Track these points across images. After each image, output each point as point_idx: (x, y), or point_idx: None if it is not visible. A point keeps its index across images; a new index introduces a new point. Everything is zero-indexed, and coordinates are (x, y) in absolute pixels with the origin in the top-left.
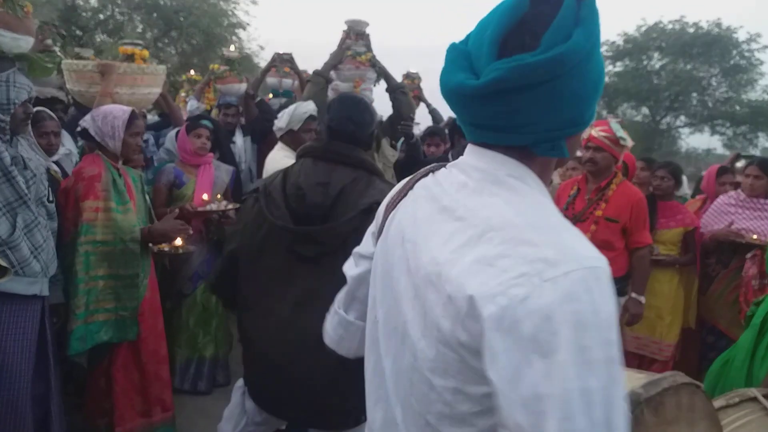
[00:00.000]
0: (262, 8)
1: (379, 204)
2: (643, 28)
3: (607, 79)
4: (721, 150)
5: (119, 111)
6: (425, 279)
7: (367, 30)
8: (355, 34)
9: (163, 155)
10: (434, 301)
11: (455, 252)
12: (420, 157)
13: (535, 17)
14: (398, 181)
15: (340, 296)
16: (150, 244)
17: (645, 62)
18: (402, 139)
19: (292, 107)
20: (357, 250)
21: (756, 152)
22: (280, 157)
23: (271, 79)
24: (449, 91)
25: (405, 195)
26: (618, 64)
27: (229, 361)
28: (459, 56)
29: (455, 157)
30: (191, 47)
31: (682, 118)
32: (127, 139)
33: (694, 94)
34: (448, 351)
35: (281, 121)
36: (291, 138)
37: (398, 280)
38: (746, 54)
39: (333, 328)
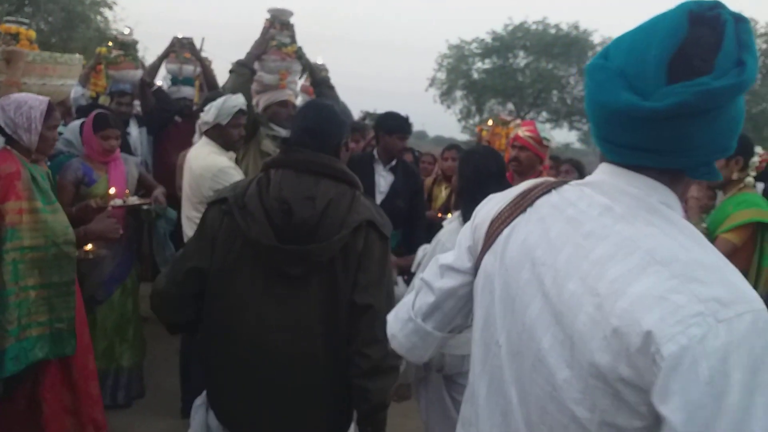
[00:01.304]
0: None
1: (369, 222)
2: (510, 28)
3: (476, 75)
4: (577, 145)
5: (35, 101)
6: (572, 307)
7: (292, 20)
8: (280, 24)
9: (62, 147)
10: (587, 332)
11: (617, 283)
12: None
13: (697, 41)
14: None
15: (418, 304)
16: None
17: (511, 60)
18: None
19: (220, 100)
20: (446, 261)
21: None
22: (206, 153)
23: (170, 66)
24: (613, 111)
25: (522, 211)
26: (486, 61)
27: (142, 371)
28: (613, 76)
29: (381, 155)
30: (50, 26)
31: (544, 113)
32: (45, 133)
33: (555, 92)
34: (601, 384)
35: (208, 115)
36: (218, 133)
37: (527, 305)
38: None
39: (406, 335)
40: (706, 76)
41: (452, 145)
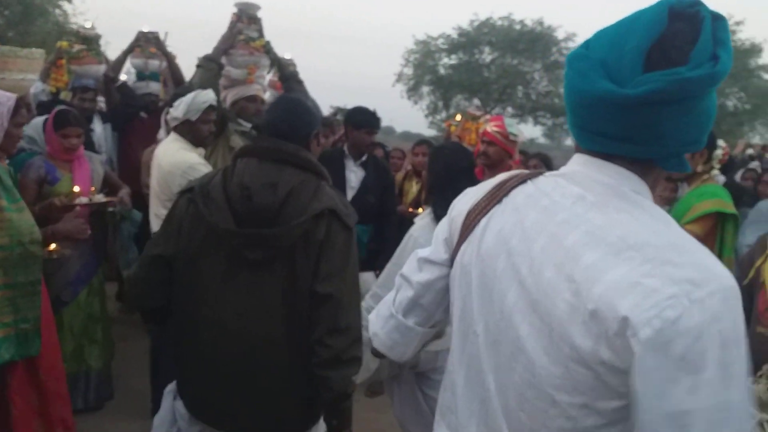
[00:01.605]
0: None
1: (331, 210)
2: (476, 23)
3: (442, 71)
4: (542, 140)
5: (3, 97)
6: (550, 294)
7: (259, 14)
8: (247, 18)
9: (24, 144)
10: (566, 318)
11: (591, 269)
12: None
13: (675, 34)
14: None
15: (398, 300)
16: None
17: (477, 56)
18: None
19: (190, 96)
20: (423, 255)
21: (569, 141)
22: (175, 149)
23: (135, 61)
24: (591, 98)
25: (498, 201)
26: (453, 56)
27: (111, 372)
28: (593, 65)
29: (351, 150)
30: (5, 19)
31: (509, 109)
32: (11, 130)
33: (520, 87)
34: (581, 368)
35: (177, 111)
36: (187, 129)
37: (504, 294)
38: (564, 51)
39: (387, 332)
40: (681, 67)
41: (422, 141)
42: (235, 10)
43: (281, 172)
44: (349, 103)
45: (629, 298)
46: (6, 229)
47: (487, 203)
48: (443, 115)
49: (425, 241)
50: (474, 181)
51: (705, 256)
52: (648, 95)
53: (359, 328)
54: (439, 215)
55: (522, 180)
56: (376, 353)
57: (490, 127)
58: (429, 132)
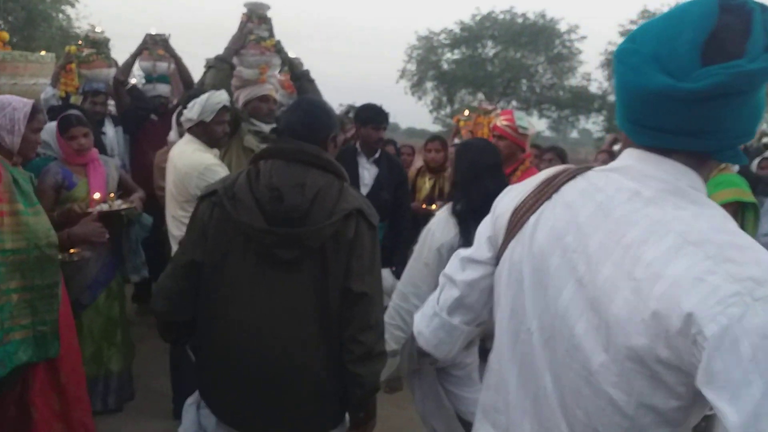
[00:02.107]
0: None
1: (359, 210)
2: (478, 17)
3: (446, 66)
4: (547, 132)
5: (19, 102)
6: (608, 292)
7: (269, 13)
8: (257, 18)
9: (38, 148)
10: (625, 316)
11: (653, 266)
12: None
13: (727, 27)
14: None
15: (442, 299)
16: None
17: (480, 50)
18: None
19: (204, 97)
20: (467, 254)
21: (575, 133)
22: (191, 151)
23: (143, 63)
24: (648, 93)
25: (547, 198)
26: (456, 51)
27: (132, 374)
28: (646, 59)
29: (363, 147)
30: (9, 25)
31: (514, 102)
32: (28, 135)
33: (524, 81)
34: (638, 366)
35: (192, 112)
36: (202, 130)
37: (560, 291)
38: (567, 44)
39: (432, 331)
40: (740, 59)
41: (435, 137)
42: (244, 10)
43: (307, 174)
44: (359, 101)
45: (693, 295)
46: (23, 232)
47: (536, 200)
48: (448, 110)
49: (441, 235)
50: (500, 179)
51: (765, 254)
52: (711, 88)
53: (383, 323)
54: (456, 211)
55: (572, 175)
56: (421, 352)
57: (500, 122)
58: (434, 128)
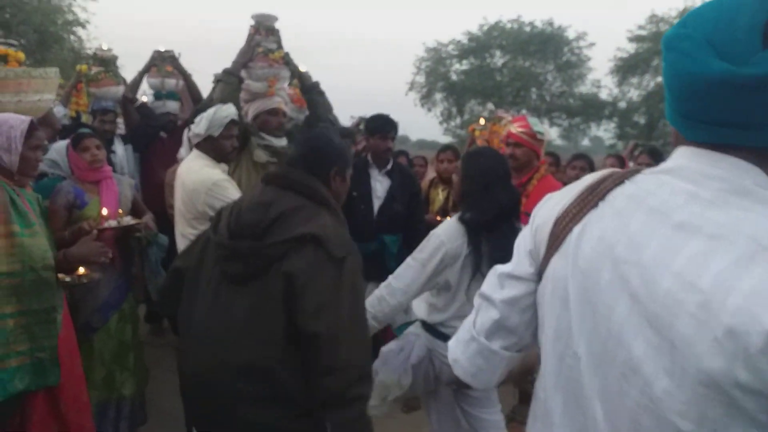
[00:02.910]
0: (103, 4)
1: (315, 237)
2: (485, 27)
3: (455, 77)
4: (559, 141)
5: (16, 120)
6: (670, 307)
7: (277, 25)
8: (265, 30)
9: (46, 168)
10: (692, 334)
11: (723, 276)
12: None
13: None
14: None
15: (479, 321)
16: None
17: (488, 60)
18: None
19: (211, 111)
20: (505, 270)
21: (586, 141)
22: (199, 167)
23: (152, 80)
24: (705, 81)
25: (593, 206)
26: (464, 62)
27: (145, 397)
28: (700, 44)
29: (374, 158)
30: (21, 47)
31: (524, 111)
32: (26, 153)
33: (534, 89)
34: (711, 392)
35: (199, 127)
36: (210, 145)
37: (612, 308)
38: (576, 51)
39: (469, 358)
40: None
41: (447, 147)
42: (252, 22)
43: (280, 196)
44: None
45: None
46: (17, 254)
47: (580, 208)
48: (458, 121)
49: (447, 240)
50: (510, 189)
51: None
52: None
53: (363, 365)
54: (466, 220)
55: (619, 180)
56: (459, 382)
57: (515, 128)
58: (444, 139)
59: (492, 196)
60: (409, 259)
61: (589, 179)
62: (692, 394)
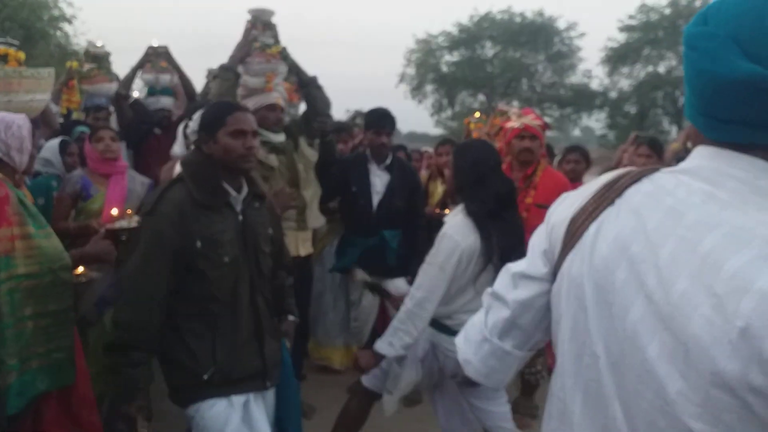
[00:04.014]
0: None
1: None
2: (476, 18)
3: (445, 68)
4: (549, 132)
5: (21, 119)
6: (684, 309)
7: (273, 19)
8: (261, 25)
9: (39, 166)
10: (706, 337)
11: (737, 278)
12: (335, 156)
13: None
14: (321, 182)
15: (491, 322)
16: None
17: (479, 51)
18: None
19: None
20: (518, 269)
21: (577, 131)
22: None
23: (146, 76)
24: (730, 82)
25: (609, 203)
26: (455, 53)
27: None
28: (725, 44)
29: (372, 154)
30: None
31: (515, 102)
32: (33, 151)
33: (525, 80)
34: (726, 396)
35: (195, 124)
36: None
37: (627, 309)
38: (566, 41)
39: (482, 359)
40: None
41: (446, 140)
42: (248, 17)
43: None
44: (362, 108)
45: None
46: (35, 256)
47: (596, 207)
48: (448, 113)
49: (461, 239)
50: (503, 178)
51: None
52: None
53: (136, 322)
54: (471, 211)
55: (636, 178)
56: (470, 381)
57: (530, 121)
58: (435, 131)
59: (487, 186)
60: (424, 265)
61: (607, 176)
62: (706, 396)
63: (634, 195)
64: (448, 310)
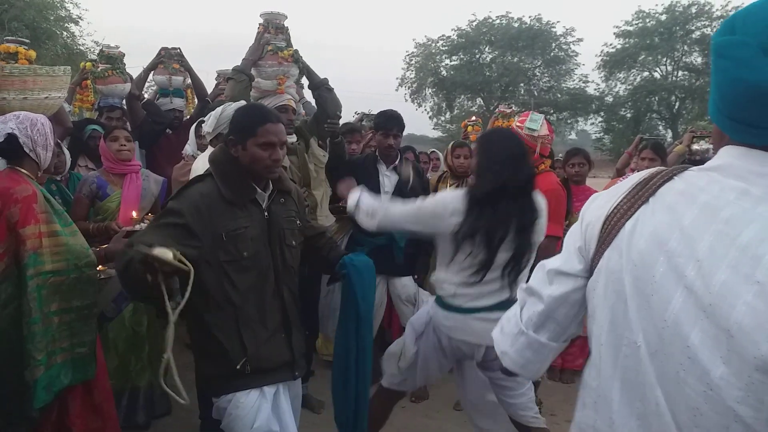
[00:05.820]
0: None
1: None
2: (474, 23)
3: (444, 72)
4: None
5: (42, 117)
6: (726, 298)
7: (286, 23)
8: (274, 28)
9: None
10: (750, 323)
11: None
12: (345, 157)
13: None
14: (331, 182)
15: (526, 315)
16: None
17: (477, 56)
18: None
19: (219, 109)
20: (554, 266)
21: (573, 135)
22: None
23: (158, 77)
24: (762, 90)
25: (644, 202)
26: (454, 58)
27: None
28: (755, 52)
29: (383, 155)
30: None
31: (513, 107)
32: (55, 150)
33: (522, 84)
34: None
35: (208, 125)
36: (221, 142)
37: (668, 300)
38: (563, 46)
39: (518, 350)
40: None
41: (461, 143)
42: (261, 20)
43: None
44: (371, 110)
45: None
46: (62, 253)
47: (631, 204)
48: (447, 116)
49: (450, 196)
50: (519, 167)
51: None
52: None
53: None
54: (470, 189)
55: (668, 176)
56: (507, 372)
57: (515, 123)
58: (434, 133)
59: (497, 172)
60: (419, 202)
61: (640, 176)
62: (749, 380)
63: (668, 193)
64: (439, 278)
